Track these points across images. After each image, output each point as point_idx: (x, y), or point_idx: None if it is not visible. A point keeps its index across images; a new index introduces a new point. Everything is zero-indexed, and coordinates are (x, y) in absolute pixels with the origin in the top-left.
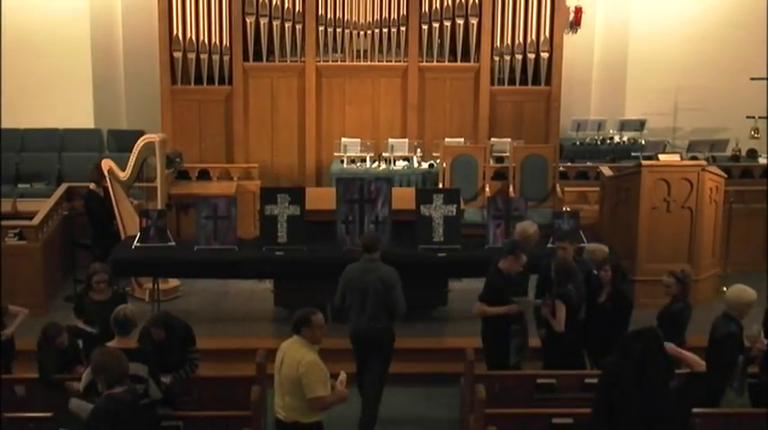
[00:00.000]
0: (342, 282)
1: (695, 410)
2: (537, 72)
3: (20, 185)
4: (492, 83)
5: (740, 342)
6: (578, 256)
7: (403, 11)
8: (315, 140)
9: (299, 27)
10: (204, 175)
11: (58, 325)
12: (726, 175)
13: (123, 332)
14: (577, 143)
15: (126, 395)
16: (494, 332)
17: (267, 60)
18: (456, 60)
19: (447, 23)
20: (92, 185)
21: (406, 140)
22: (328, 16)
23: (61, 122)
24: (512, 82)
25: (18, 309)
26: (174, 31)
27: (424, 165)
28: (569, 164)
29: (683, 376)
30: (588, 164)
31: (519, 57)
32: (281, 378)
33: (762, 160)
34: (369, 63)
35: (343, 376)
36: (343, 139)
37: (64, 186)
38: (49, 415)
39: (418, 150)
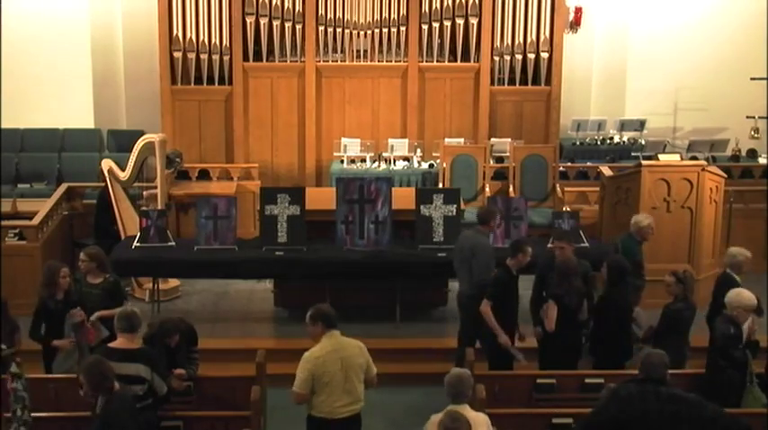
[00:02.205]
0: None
1: None
2: (537, 72)
3: (20, 185)
4: (492, 83)
5: (741, 341)
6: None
7: (403, 11)
8: (315, 140)
9: (298, 27)
10: (204, 175)
11: (59, 264)
12: (726, 175)
13: (128, 329)
14: (577, 143)
15: (126, 390)
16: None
17: (267, 60)
18: (456, 60)
19: (447, 23)
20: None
21: (406, 140)
22: (328, 16)
23: (61, 122)
24: (512, 82)
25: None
26: (174, 32)
27: (424, 165)
28: (569, 164)
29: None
30: (588, 164)
31: (519, 57)
32: (353, 369)
33: (762, 160)
34: (369, 63)
35: None
36: (343, 139)
37: (64, 186)
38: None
39: (418, 150)
